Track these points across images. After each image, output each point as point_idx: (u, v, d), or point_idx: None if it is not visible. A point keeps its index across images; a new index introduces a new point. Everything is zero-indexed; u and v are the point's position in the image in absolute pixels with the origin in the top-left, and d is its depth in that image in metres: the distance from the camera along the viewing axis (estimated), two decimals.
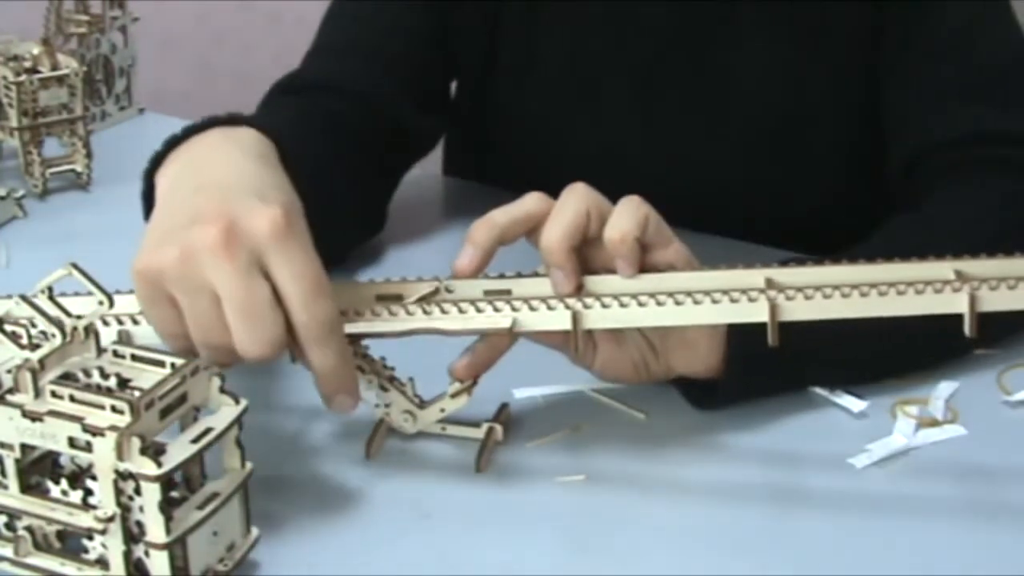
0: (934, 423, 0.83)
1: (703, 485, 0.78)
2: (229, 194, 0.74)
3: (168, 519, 0.65)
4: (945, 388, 0.86)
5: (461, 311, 0.77)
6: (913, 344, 0.85)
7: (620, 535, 0.74)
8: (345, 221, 0.99)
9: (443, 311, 0.77)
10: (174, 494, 0.68)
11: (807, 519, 0.75)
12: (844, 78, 1.09)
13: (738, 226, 1.08)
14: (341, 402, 0.76)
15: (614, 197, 0.79)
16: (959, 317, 0.72)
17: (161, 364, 0.68)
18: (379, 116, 1.07)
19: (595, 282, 0.78)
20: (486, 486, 0.78)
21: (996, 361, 0.89)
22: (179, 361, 0.67)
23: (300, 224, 0.74)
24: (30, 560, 0.68)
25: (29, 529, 0.68)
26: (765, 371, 0.81)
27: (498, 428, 0.81)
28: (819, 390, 0.86)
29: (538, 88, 1.15)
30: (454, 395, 0.80)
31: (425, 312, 0.77)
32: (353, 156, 1.03)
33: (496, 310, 0.77)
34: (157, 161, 0.83)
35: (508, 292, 0.79)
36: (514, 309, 0.76)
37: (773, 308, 0.74)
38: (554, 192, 0.80)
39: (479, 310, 0.77)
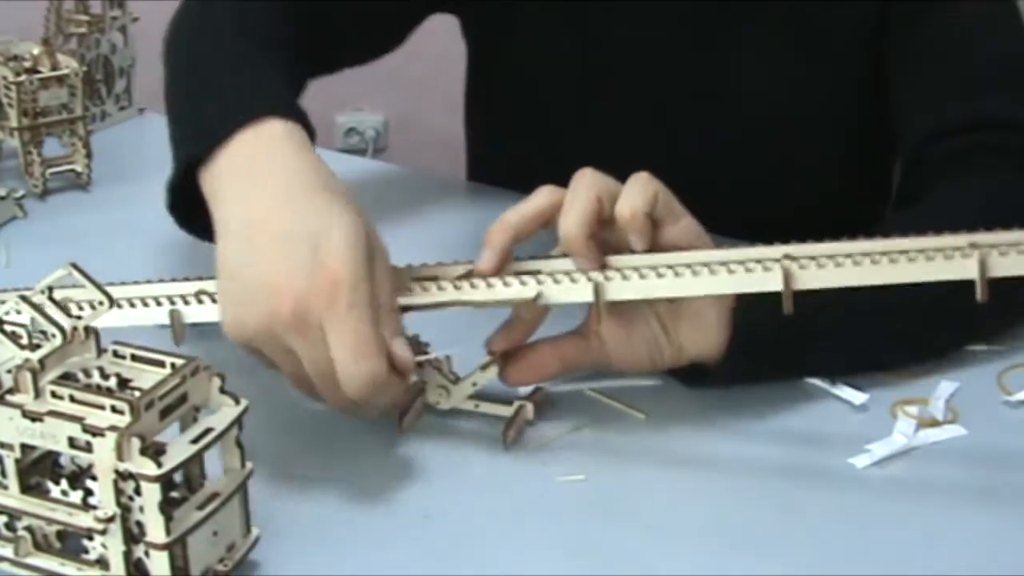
0: (934, 423, 0.83)
1: (703, 485, 0.78)
2: (288, 248, 0.76)
3: (168, 519, 0.65)
4: (945, 388, 0.86)
5: (489, 285, 0.80)
6: (916, 331, 0.85)
7: (620, 535, 0.74)
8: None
9: (472, 286, 0.80)
10: (174, 494, 0.68)
11: (807, 519, 0.75)
12: (844, 79, 1.09)
13: (738, 225, 1.07)
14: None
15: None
16: (964, 304, 0.72)
17: (161, 364, 0.68)
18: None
19: (618, 261, 0.80)
20: (486, 486, 0.78)
21: (996, 361, 0.89)
22: (179, 361, 0.67)
23: (355, 288, 0.74)
24: (30, 560, 0.68)
25: (29, 529, 0.68)
26: (766, 350, 0.81)
27: (528, 406, 0.82)
28: (819, 383, 0.86)
29: (543, 86, 1.15)
30: (484, 367, 0.82)
31: (456, 288, 0.80)
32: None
33: (522, 283, 0.79)
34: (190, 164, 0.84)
35: (538, 272, 0.81)
36: (539, 282, 0.79)
37: (787, 276, 0.75)
38: (563, 185, 0.81)
39: (506, 284, 0.80)
